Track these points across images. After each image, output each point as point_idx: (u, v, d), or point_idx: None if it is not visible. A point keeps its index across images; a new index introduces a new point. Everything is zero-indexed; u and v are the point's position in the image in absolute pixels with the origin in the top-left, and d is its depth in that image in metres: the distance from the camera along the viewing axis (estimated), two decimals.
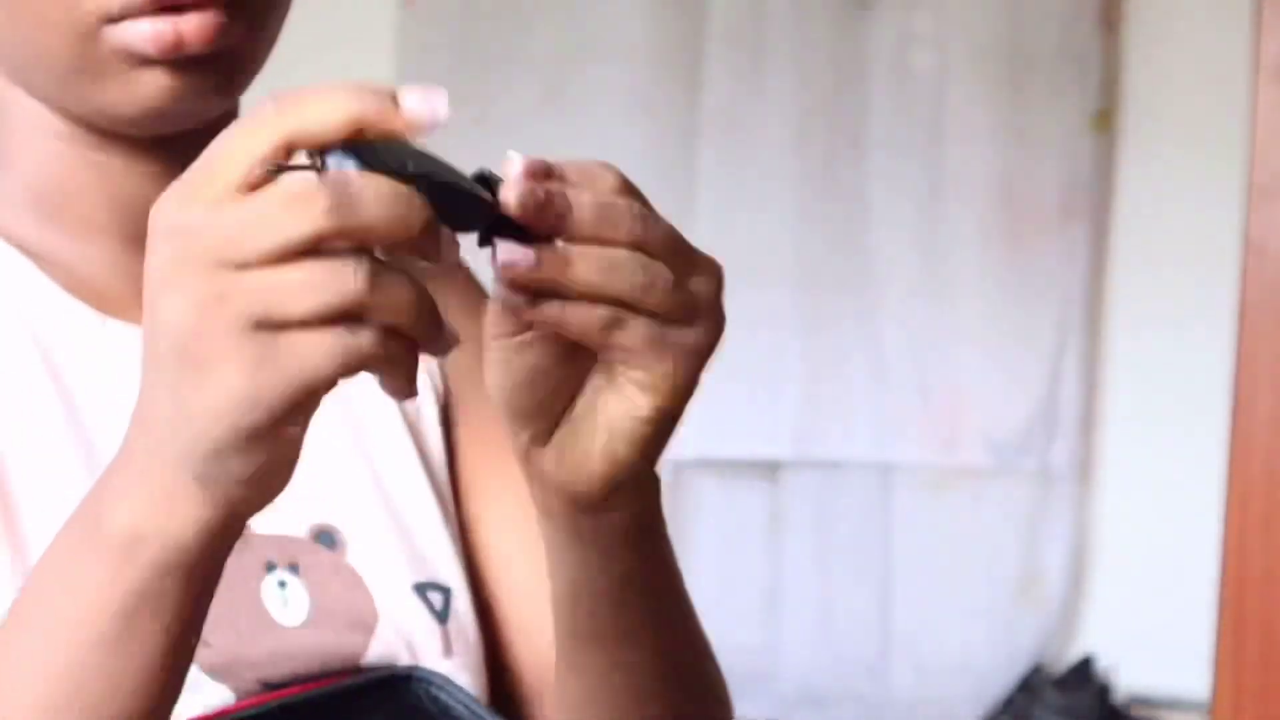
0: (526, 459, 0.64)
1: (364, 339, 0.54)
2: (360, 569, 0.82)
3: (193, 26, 0.73)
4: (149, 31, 0.72)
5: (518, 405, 0.62)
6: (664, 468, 2.65)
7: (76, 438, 0.76)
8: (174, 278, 0.54)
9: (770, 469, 3.15)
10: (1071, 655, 3.10)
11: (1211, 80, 2.92)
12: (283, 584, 0.79)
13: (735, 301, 2.77)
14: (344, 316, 0.54)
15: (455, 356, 0.89)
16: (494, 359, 0.62)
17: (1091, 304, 3.06)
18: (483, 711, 0.79)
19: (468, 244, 0.61)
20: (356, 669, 0.79)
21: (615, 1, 3.10)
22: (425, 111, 0.58)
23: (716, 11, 3.07)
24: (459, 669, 0.81)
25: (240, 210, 0.53)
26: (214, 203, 0.53)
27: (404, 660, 0.80)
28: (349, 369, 0.54)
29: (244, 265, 0.53)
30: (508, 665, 0.87)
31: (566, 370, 0.62)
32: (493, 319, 0.60)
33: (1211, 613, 1.51)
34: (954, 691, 3.08)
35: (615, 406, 0.62)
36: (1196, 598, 2.46)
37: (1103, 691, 3.01)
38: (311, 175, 0.53)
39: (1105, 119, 3.01)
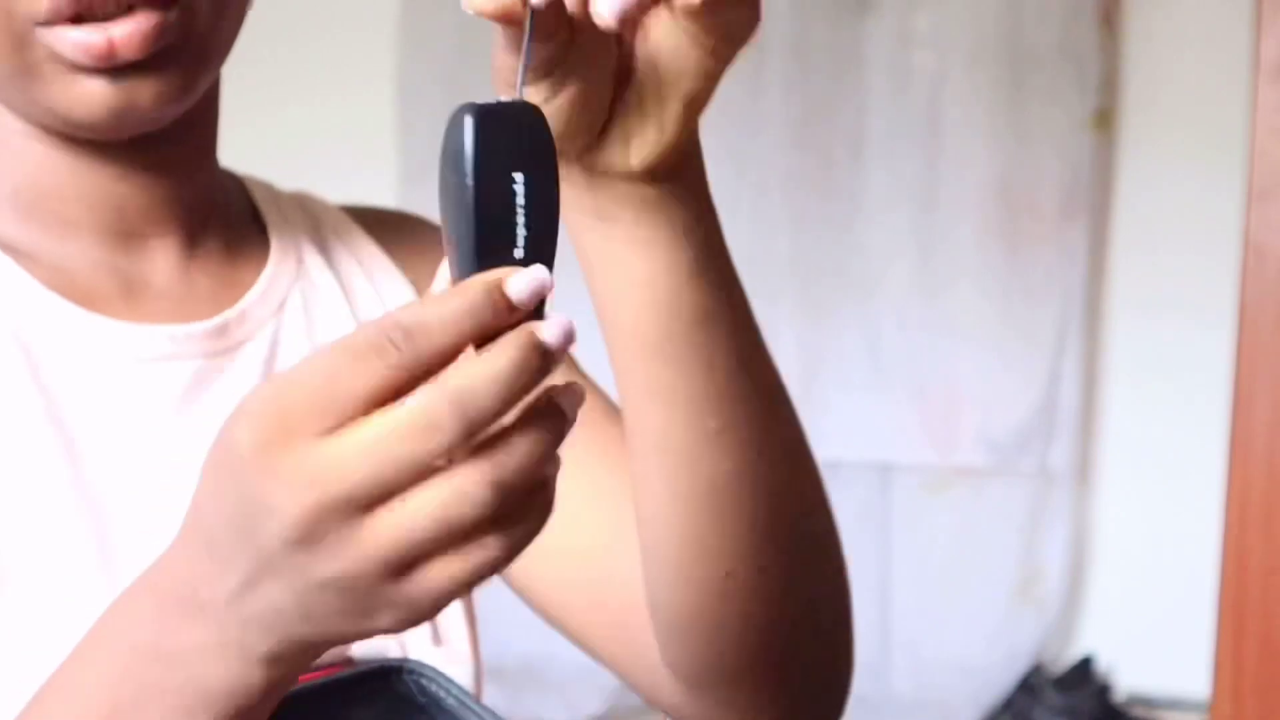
0: (591, 166, 0.64)
1: (491, 549, 0.55)
2: None
3: (125, 33, 0.70)
4: (80, 41, 0.70)
5: (572, 125, 0.62)
6: None
7: (56, 432, 0.75)
8: (313, 534, 0.53)
9: None
10: (1071, 655, 3.10)
11: (1211, 80, 2.92)
12: None
13: None
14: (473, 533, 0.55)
15: None
16: (539, 97, 0.62)
17: (1090, 303, 3.06)
18: (473, 703, 0.78)
19: None
20: (347, 660, 0.78)
21: None
22: (529, 294, 0.55)
23: None
24: (449, 659, 0.81)
25: (366, 451, 0.52)
26: (324, 432, 0.53)
27: (393, 651, 0.80)
28: (476, 584, 0.56)
29: (376, 508, 0.53)
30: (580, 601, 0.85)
31: (601, 68, 0.62)
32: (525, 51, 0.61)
33: (1211, 613, 1.51)
34: (954, 691, 3.07)
35: (678, 59, 0.63)
36: (1196, 598, 2.46)
37: (1102, 691, 3.01)
38: (436, 400, 0.52)
39: (1104, 118, 3.01)
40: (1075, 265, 3.02)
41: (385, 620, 0.55)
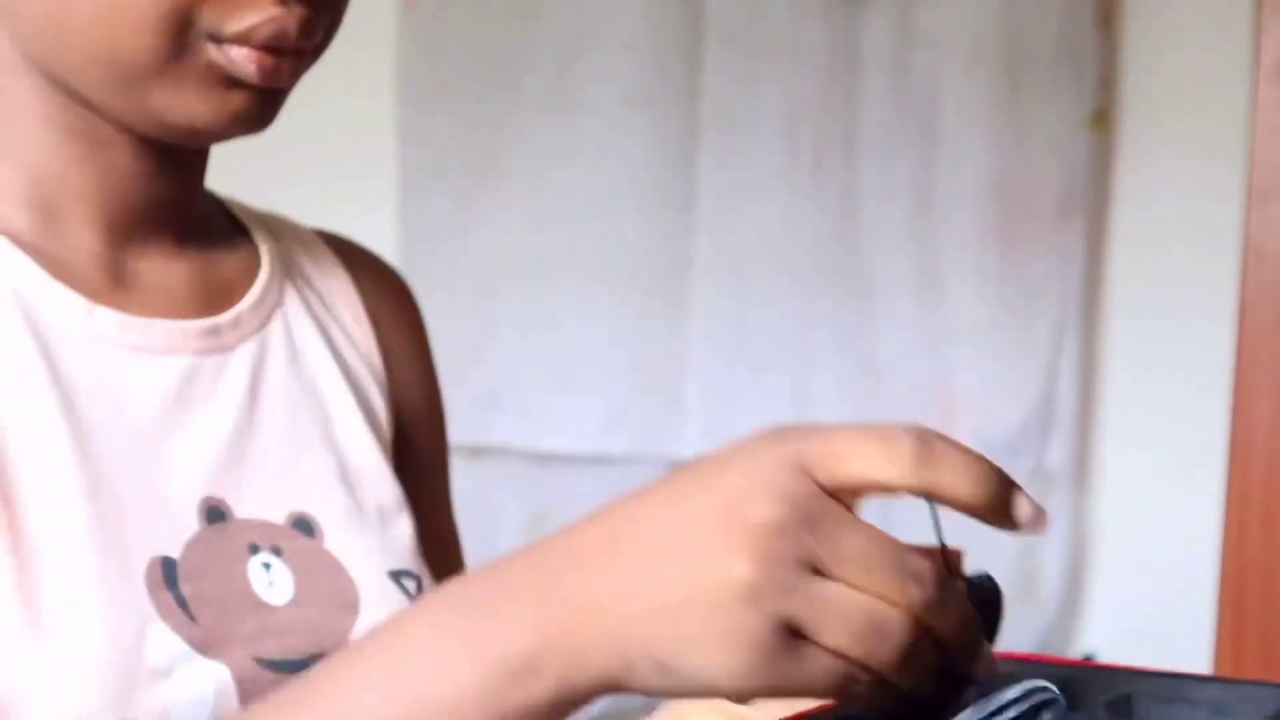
0: None
1: (863, 686, 0.57)
2: (339, 555, 0.84)
3: (289, 64, 0.78)
4: (255, 60, 0.77)
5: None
6: (662, 467, 2.68)
7: (68, 421, 0.77)
8: (761, 540, 0.56)
9: None
10: (1071, 654, 3.10)
11: (1210, 80, 2.92)
12: (267, 565, 0.81)
13: (732, 299, 2.80)
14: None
15: (407, 391, 0.94)
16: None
17: (1088, 304, 3.05)
18: None
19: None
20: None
21: (613, 2, 3.10)
22: (1030, 520, 0.61)
23: (713, 10, 3.08)
24: None
25: (860, 538, 0.57)
26: (837, 508, 0.57)
27: None
28: (837, 698, 0.58)
29: (821, 574, 0.56)
30: None
31: None
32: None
33: (1211, 612, 1.51)
34: None
35: None
36: (1196, 597, 2.46)
37: None
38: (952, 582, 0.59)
39: (1102, 118, 3.01)
40: (1073, 265, 3.02)
41: (747, 663, 0.56)
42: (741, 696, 0.57)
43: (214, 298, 0.85)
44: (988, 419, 3.06)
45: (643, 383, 3.12)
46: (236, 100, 0.78)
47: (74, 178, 0.81)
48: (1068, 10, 2.98)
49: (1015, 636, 3.09)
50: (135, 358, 0.80)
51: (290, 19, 0.76)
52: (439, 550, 0.94)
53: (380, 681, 0.60)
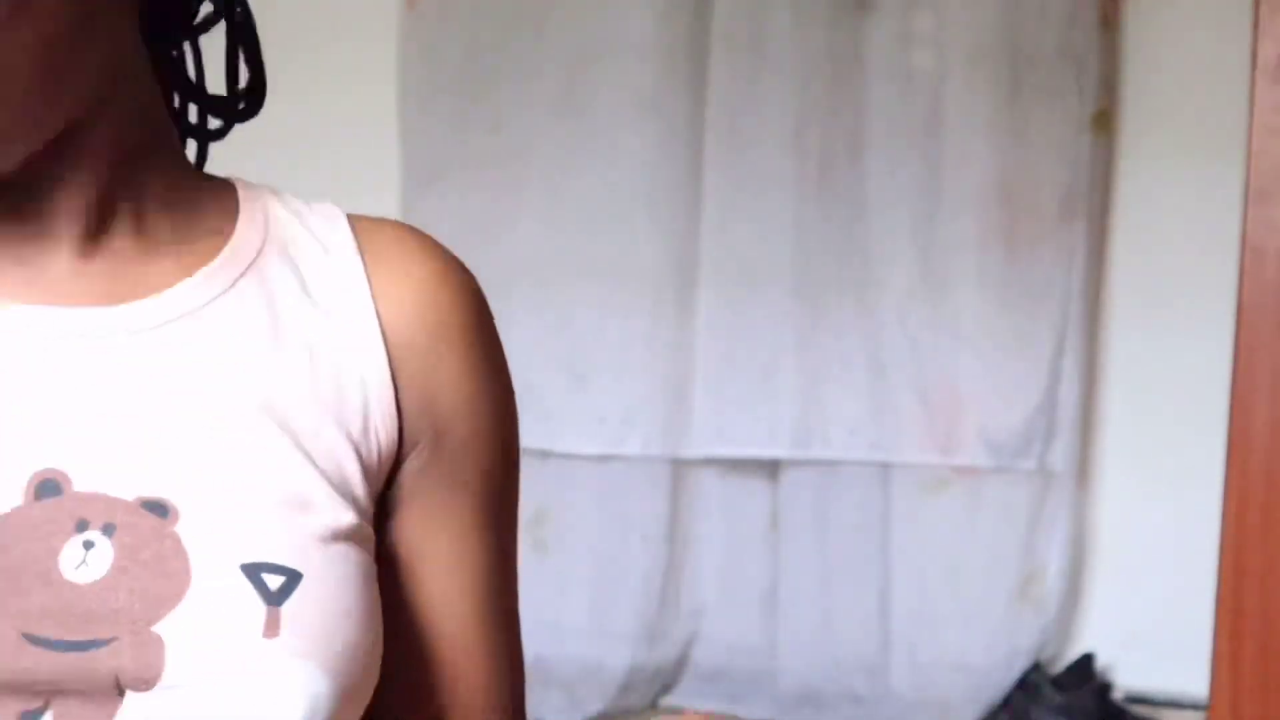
0: None
1: None
2: (186, 539, 0.80)
3: None
4: None
5: None
6: (666, 467, 2.67)
7: None
8: None
9: (771, 469, 3.16)
10: (1070, 654, 3.11)
11: (1210, 80, 2.92)
12: (89, 544, 0.78)
13: (737, 301, 2.81)
14: None
15: (432, 396, 0.89)
16: None
17: (1090, 304, 3.06)
18: None
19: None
20: None
21: (619, 5, 3.11)
22: None
23: (719, 14, 3.08)
24: (288, 653, 0.79)
25: None
26: None
27: (208, 634, 0.79)
28: None
29: None
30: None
31: None
32: None
33: (1210, 612, 1.52)
34: (953, 690, 3.08)
35: None
36: (1195, 597, 2.46)
37: (1102, 690, 3.02)
38: None
39: (1104, 119, 3.01)
40: (1075, 265, 3.03)
41: None
42: None
43: (140, 289, 0.84)
44: (991, 419, 3.06)
45: (651, 384, 3.13)
46: None
47: None
48: (1069, 12, 2.98)
49: (1015, 636, 3.10)
50: (39, 344, 0.80)
51: None
52: (447, 574, 0.90)
53: None
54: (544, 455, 3.12)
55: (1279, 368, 1.43)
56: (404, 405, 0.88)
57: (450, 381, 0.90)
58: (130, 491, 0.80)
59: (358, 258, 0.89)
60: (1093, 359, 3.09)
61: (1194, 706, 2.85)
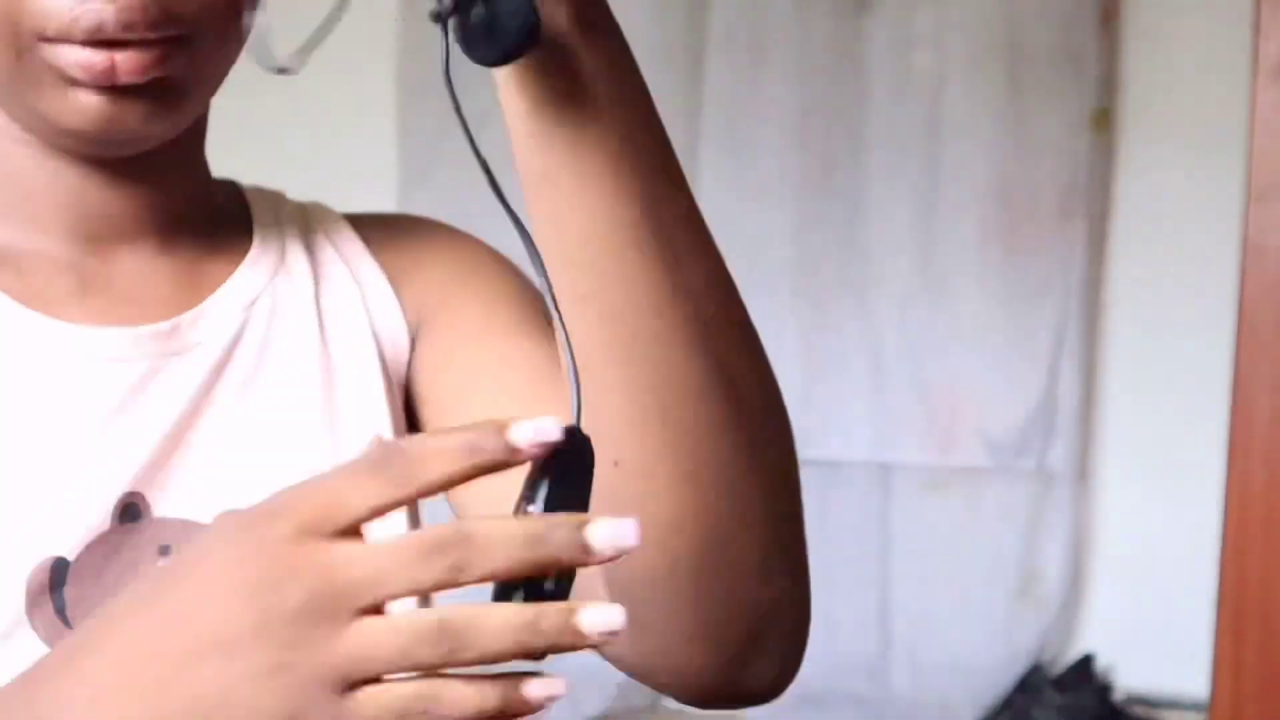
0: None
1: (441, 695, 0.55)
2: None
3: (127, 56, 0.72)
4: (82, 58, 0.72)
5: None
6: None
7: None
8: (306, 620, 0.55)
9: None
10: (1071, 655, 3.10)
11: (1210, 79, 2.92)
12: None
13: None
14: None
15: (422, 285, 0.88)
16: None
17: (1089, 303, 3.06)
18: None
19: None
20: None
21: (616, 4, 3.10)
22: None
23: (717, 12, 3.08)
24: None
25: (375, 557, 0.55)
26: (333, 534, 0.55)
27: None
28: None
29: (365, 612, 0.55)
30: None
31: None
32: None
33: (1211, 612, 1.51)
34: (953, 691, 3.08)
35: None
36: (1196, 597, 2.46)
37: (1102, 691, 3.01)
38: (447, 530, 0.55)
39: (1104, 118, 3.01)
40: (1074, 265, 3.02)
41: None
42: None
43: (186, 297, 0.82)
44: (990, 419, 3.06)
45: None
46: (85, 102, 0.74)
47: (40, 188, 0.79)
48: (1069, 12, 2.98)
49: (1015, 636, 3.10)
50: (88, 366, 0.78)
51: (107, 9, 0.71)
52: (513, 372, 0.87)
53: None
54: None
55: (1279, 368, 1.43)
56: (406, 311, 0.88)
57: (438, 267, 0.90)
58: (206, 514, 0.79)
59: (360, 243, 0.90)
60: (1092, 358, 3.09)
61: (1194, 706, 2.84)
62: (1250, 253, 1.41)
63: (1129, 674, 3.05)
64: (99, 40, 0.72)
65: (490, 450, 0.55)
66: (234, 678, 0.55)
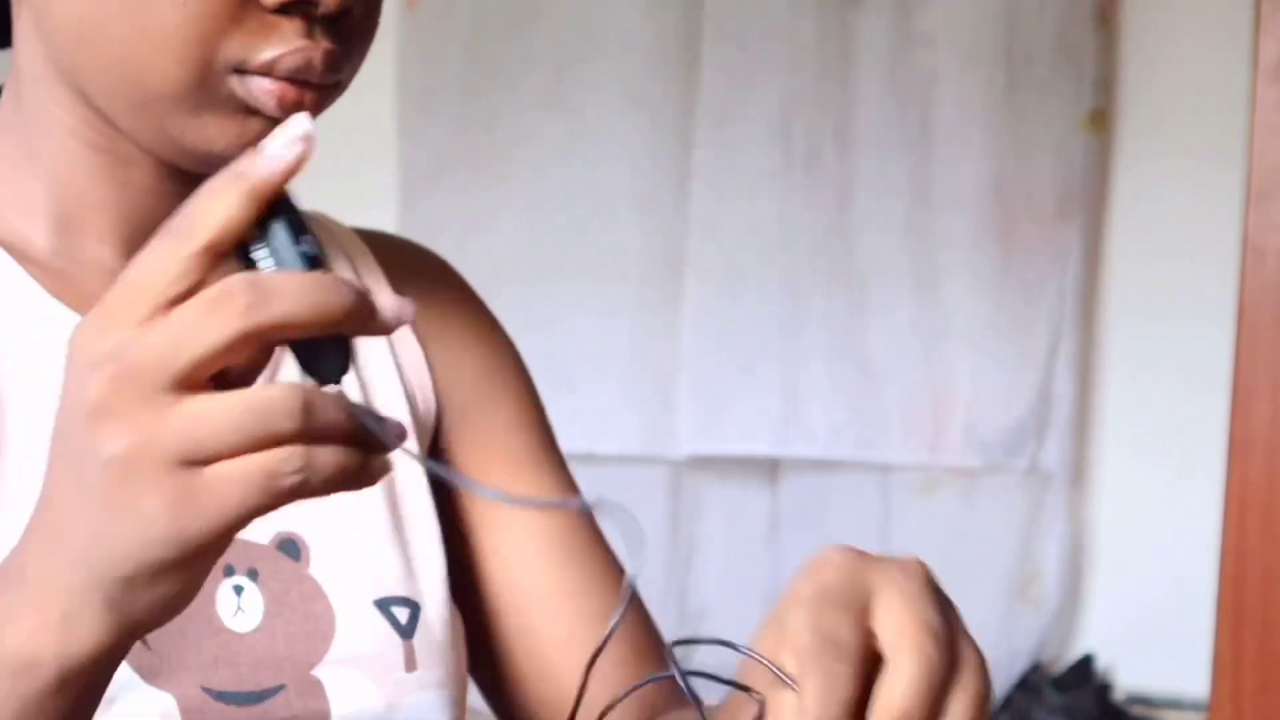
0: None
1: (290, 468, 0.54)
2: (321, 580, 0.82)
3: (313, 97, 0.76)
4: (277, 90, 0.75)
5: None
6: (664, 469, 2.67)
7: (42, 435, 0.77)
8: (107, 407, 0.53)
9: (770, 471, 3.15)
10: (1070, 654, 3.10)
11: (1208, 79, 2.92)
12: (239, 589, 0.79)
13: (727, 298, 2.80)
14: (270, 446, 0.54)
15: (456, 370, 0.91)
16: None
17: (1085, 303, 3.06)
18: None
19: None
20: None
21: (613, 2, 3.11)
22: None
23: (711, 10, 3.08)
24: (425, 684, 0.82)
25: (165, 325, 0.53)
26: (139, 323, 0.54)
27: (360, 673, 0.80)
28: (273, 505, 0.54)
29: (175, 385, 0.53)
30: (522, 702, 0.89)
31: None
32: None
33: (1210, 612, 1.51)
34: None
35: None
36: (1195, 597, 2.46)
37: (1102, 690, 3.01)
38: (235, 280, 0.53)
39: (1100, 118, 3.01)
40: (1070, 264, 3.02)
41: (161, 520, 0.53)
42: (197, 550, 0.54)
43: None
44: (983, 418, 3.06)
45: (638, 381, 3.13)
46: (254, 129, 0.76)
47: (93, 193, 0.80)
48: (1066, 10, 2.98)
49: (1014, 636, 3.10)
50: None
51: (315, 52, 0.75)
52: (523, 520, 0.91)
53: None
54: None
55: (1279, 367, 1.43)
56: (440, 386, 0.91)
57: (471, 351, 0.94)
58: (264, 532, 0.80)
59: (378, 266, 0.92)
60: (1088, 358, 3.09)
61: (1194, 706, 2.84)
62: (1250, 253, 1.41)
63: (1129, 674, 3.05)
64: (294, 78, 0.75)
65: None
66: (91, 509, 0.54)
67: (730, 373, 3.08)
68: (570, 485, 0.96)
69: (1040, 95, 3.00)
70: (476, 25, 3.16)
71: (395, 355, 0.89)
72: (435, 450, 0.91)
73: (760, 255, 3.07)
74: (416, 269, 0.94)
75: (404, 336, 0.90)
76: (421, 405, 0.90)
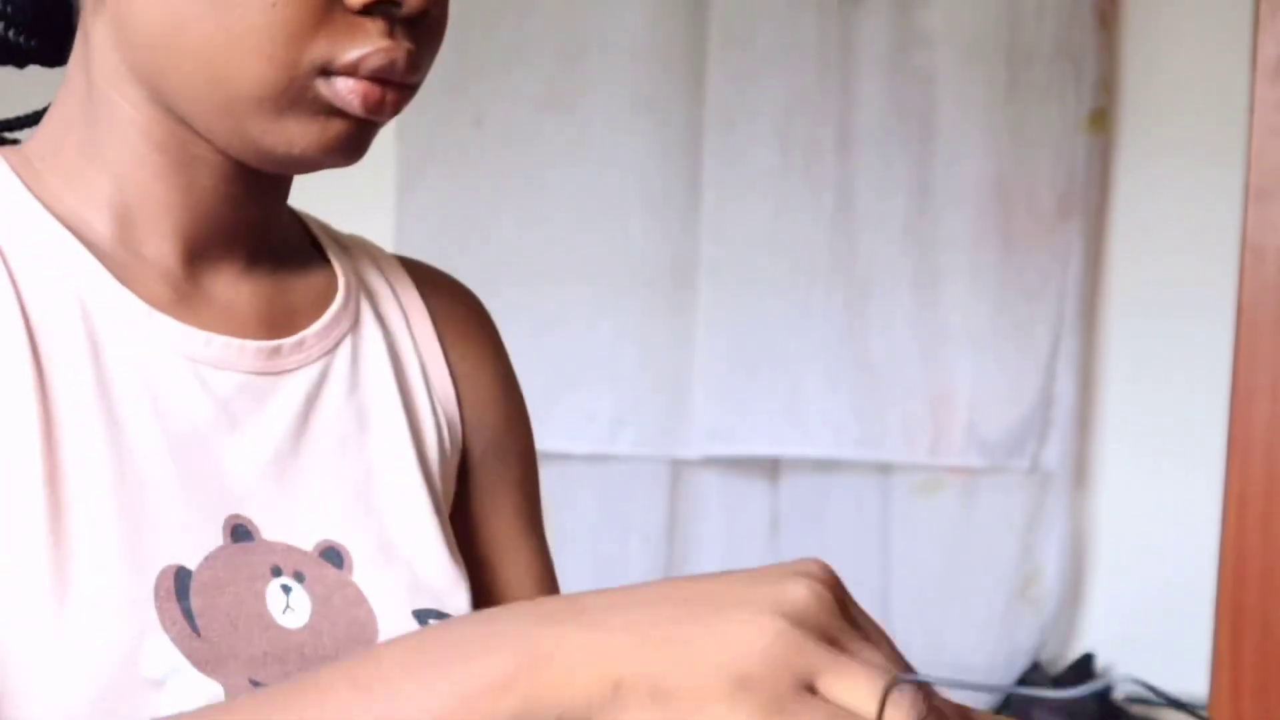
0: None
1: None
2: (364, 589, 0.83)
3: (395, 96, 0.79)
4: (362, 88, 0.77)
5: None
6: (666, 467, 2.67)
7: (108, 420, 0.78)
8: (800, 619, 0.61)
9: (771, 470, 3.15)
10: (1070, 654, 3.10)
11: (1208, 79, 2.92)
12: (287, 589, 0.81)
13: (735, 299, 2.80)
14: None
15: (480, 417, 0.94)
16: None
17: (1086, 303, 3.06)
18: None
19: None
20: None
21: (617, 4, 3.10)
22: None
23: (716, 13, 3.08)
24: None
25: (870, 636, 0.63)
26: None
27: None
28: None
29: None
30: None
31: None
32: None
33: (1210, 612, 1.51)
34: (952, 691, 3.07)
35: None
36: (1195, 597, 2.46)
37: (1102, 690, 3.02)
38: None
39: (1101, 118, 3.01)
40: (1071, 264, 3.02)
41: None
42: None
43: (281, 320, 0.86)
44: (985, 418, 3.06)
45: (647, 383, 3.13)
46: (335, 130, 0.78)
47: (158, 191, 0.82)
48: (1067, 10, 2.98)
49: (1014, 636, 3.10)
50: (189, 367, 0.81)
51: (398, 51, 0.77)
52: (519, 572, 0.96)
53: (345, 695, 0.60)
54: (544, 457, 3.12)
55: (1279, 367, 1.43)
56: (468, 423, 0.95)
57: (497, 401, 0.98)
58: (308, 539, 0.82)
59: (417, 295, 0.95)
60: (1089, 358, 3.09)
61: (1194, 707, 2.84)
62: (1250, 253, 1.41)
63: (1128, 673, 3.05)
64: (377, 78, 0.77)
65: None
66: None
67: (742, 375, 3.08)
68: (546, 549, 1.00)
69: (1041, 95, 3.00)
70: (476, 24, 3.16)
71: (425, 373, 0.92)
72: (456, 479, 0.94)
73: (770, 258, 3.07)
74: (455, 306, 0.97)
75: (436, 362, 0.93)
76: (447, 432, 0.92)
